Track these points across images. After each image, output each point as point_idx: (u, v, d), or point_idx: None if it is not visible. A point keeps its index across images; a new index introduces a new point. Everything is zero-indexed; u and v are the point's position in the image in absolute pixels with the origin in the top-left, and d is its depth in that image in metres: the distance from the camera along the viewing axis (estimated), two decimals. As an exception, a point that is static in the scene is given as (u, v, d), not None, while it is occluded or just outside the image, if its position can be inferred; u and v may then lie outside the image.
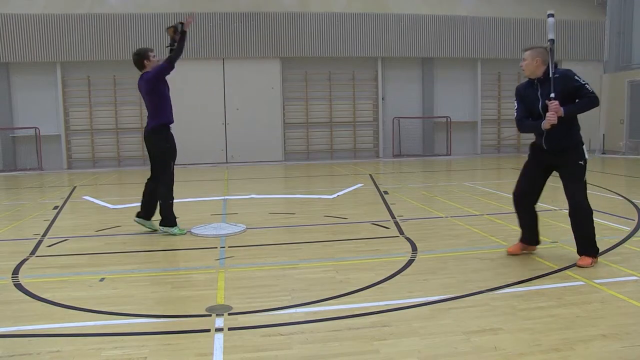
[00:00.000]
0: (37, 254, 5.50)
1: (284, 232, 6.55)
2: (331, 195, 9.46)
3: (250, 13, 17.59)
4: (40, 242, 6.06)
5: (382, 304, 3.72)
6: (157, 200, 6.39)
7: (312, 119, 18.64)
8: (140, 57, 6.23)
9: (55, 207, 8.71)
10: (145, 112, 6.50)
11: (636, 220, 6.36)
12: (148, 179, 6.49)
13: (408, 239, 5.75)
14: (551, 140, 4.53)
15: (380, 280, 4.27)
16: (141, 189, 6.53)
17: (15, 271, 4.78)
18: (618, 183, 10.57)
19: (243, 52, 17.66)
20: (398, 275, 4.43)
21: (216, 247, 5.62)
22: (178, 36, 6.13)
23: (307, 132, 18.69)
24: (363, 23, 18.13)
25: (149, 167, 6.51)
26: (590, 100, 4.37)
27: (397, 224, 6.63)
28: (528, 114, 4.65)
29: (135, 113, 17.28)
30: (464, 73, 19.32)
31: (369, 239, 5.86)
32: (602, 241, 5.32)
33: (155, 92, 6.18)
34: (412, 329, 3.29)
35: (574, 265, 4.51)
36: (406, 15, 18.41)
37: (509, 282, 4.15)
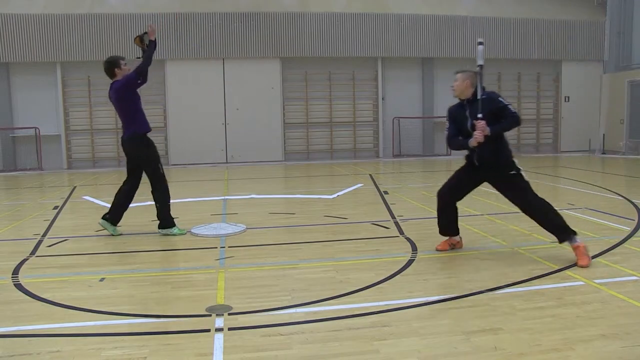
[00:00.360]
0: (37, 254, 5.50)
1: (284, 232, 6.55)
2: (331, 195, 9.46)
3: (250, 13, 17.59)
4: (40, 242, 6.06)
5: (382, 304, 3.72)
6: (127, 205, 6.34)
7: (312, 119, 18.63)
8: (111, 65, 6.08)
9: (55, 207, 8.71)
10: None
11: (636, 220, 6.35)
12: (124, 182, 6.40)
13: (408, 239, 5.75)
14: (482, 157, 4.82)
15: (380, 280, 4.27)
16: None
17: (15, 271, 4.79)
18: (618, 183, 10.57)
19: (243, 52, 17.66)
20: (398, 275, 4.43)
21: (216, 247, 5.62)
22: (145, 46, 6.04)
23: (307, 132, 18.68)
24: (363, 23, 18.13)
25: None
26: (513, 120, 4.72)
27: (397, 224, 6.63)
28: (458, 133, 4.97)
29: (135, 113, 17.26)
30: (464, 73, 19.29)
31: (369, 239, 5.86)
32: (602, 241, 5.34)
33: (124, 100, 6.07)
34: (412, 329, 3.29)
35: (574, 265, 4.52)
36: (406, 15, 18.41)
37: (509, 282, 4.16)
